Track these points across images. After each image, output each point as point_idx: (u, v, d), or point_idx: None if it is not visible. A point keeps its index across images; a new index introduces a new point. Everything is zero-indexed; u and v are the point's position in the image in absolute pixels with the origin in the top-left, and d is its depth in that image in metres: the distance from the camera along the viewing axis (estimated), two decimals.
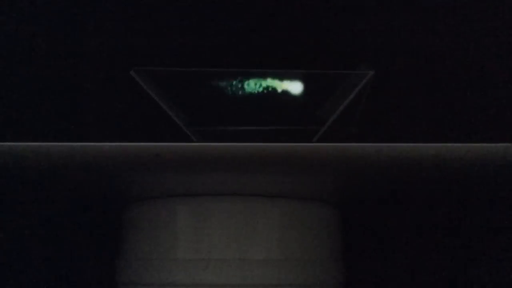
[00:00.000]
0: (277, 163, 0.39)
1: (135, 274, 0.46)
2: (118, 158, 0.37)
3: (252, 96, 0.45)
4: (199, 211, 0.45)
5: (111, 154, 0.37)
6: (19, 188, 0.49)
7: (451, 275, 0.58)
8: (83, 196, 0.54)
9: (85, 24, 0.65)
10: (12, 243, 0.58)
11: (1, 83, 0.56)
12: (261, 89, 0.45)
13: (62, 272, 0.61)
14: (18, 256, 0.59)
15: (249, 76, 0.45)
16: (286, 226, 0.45)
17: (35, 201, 0.58)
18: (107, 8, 0.66)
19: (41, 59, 0.62)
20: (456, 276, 0.57)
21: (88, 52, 0.64)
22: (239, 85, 0.45)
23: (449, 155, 0.38)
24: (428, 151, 0.38)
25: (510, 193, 0.50)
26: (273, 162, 0.39)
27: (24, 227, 0.59)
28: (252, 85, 0.45)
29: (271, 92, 0.45)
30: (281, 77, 0.45)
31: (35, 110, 0.60)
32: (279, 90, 0.45)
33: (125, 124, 0.63)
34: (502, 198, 0.53)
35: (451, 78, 0.60)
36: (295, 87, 0.46)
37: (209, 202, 0.45)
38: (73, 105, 0.63)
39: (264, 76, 0.45)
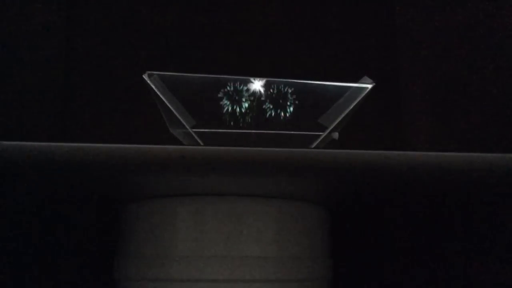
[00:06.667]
0: (275, 166, 0.40)
1: (134, 271, 0.47)
2: (118, 159, 0.38)
3: (256, 102, 0.46)
4: (198, 210, 0.46)
5: (111, 154, 0.37)
6: (19, 188, 0.50)
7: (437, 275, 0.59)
8: (83, 196, 0.55)
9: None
10: (12, 242, 0.58)
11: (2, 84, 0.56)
12: (265, 97, 0.46)
13: (62, 269, 0.61)
14: (19, 254, 0.59)
15: (254, 83, 0.46)
16: (281, 225, 0.47)
17: (36, 201, 0.58)
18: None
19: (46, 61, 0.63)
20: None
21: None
22: (244, 92, 0.46)
23: (439, 163, 0.40)
24: (416, 158, 0.39)
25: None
26: (271, 166, 0.40)
27: (24, 227, 0.59)
28: (256, 93, 0.47)
29: (274, 100, 0.46)
30: (285, 86, 0.46)
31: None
32: (281, 98, 0.46)
33: (126, 126, 0.64)
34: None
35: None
36: (297, 97, 0.46)
37: (207, 202, 0.46)
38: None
39: (268, 84, 0.46)
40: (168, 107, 0.45)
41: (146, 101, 0.47)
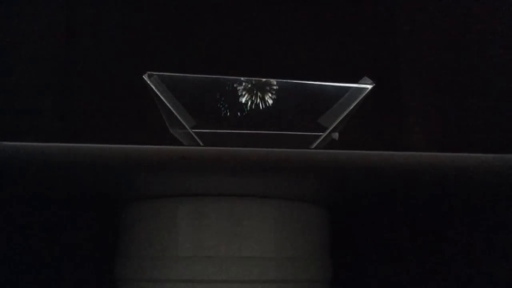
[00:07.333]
0: (275, 166, 0.40)
1: (134, 271, 0.47)
2: (118, 159, 0.38)
3: (256, 103, 0.46)
4: (198, 211, 0.46)
5: (111, 155, 0.37)
6: (19, 188, 0.50)
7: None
8: (83, 196, 0.55)
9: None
10: (12, 243, 0.58)
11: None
12: (265, 97, 0.47)
13: (62, 269, 0.61)
14: (19, 255, 0.59)
15: (254, 84, 0.46)
16: (280, 225, 0.47)
17: (35, 201, 0.58)
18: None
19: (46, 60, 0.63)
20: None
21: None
22: (244, 92, 0.46)
23: (434, 163, 0.40)
24: (416, 159, 0.39)
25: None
26: (271, 166, 0.40)
27: (24, 227, 0.59)
28: (257, 93, 0.46)
29: (274, 100, 0.46)
30: (285, 86, 0.46)
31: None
32: (282, 98, 0.46)
33: (126, 126, 0.64)
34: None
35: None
36: (297, 97, 0.47)
37: (207, 202, 0.46)
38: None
39: (269, 84, 0.46)
40: (168, 107, 0.45)
41: (146, 101, 0.47)
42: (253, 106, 0.46)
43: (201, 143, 0.46)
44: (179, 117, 0.45)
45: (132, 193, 0.49)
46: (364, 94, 0.46)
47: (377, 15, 0.70)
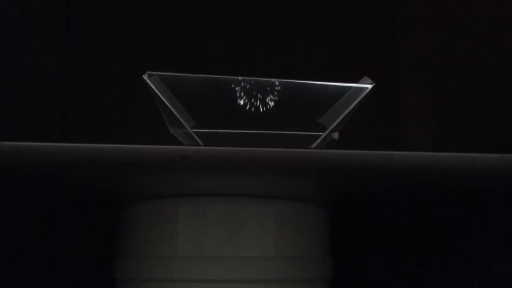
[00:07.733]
0: (275, 166, 0.40)
1: (134, 271, 0.47)
2: (118, 159, 0.38)
3: (256, 103, 0.46)
4: (198, 210, 0.46)
5: (111, 155, 0.37)
6: (19, 188, 0.50)
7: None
8: (83, 196, 0.55)
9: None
10: (12, 243, 0.58)
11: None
12: (265, 97, 0.46)
13: (62, 269, 0.61)
14: (18, 255, 0.59)
15: (254, 83, 0.46)
16: (281, 225, 0.47)
17: (35, 201, 0.58)
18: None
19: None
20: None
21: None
22: (245, 92, 0.46)
23: (434, 163, 0.40)
24: (416, 158, 0.39)
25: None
26: (271, 166, 0.40)
27: (24, 227, 0.59)
28: (257, 93, 0.46)
29: (274, 100, 0.46)
30: (285, 86, 0.46)
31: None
32: (282, 98, 0.46)
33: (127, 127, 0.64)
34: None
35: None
36: (297, 97, 0.46)
37: (207, 202, 0.46)
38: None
39: (269, 84, 0.46)
40: (168, 107, 0.45)
41: (146, 101, 0.47)
42: (253, 106, 0.46)
43: (201, 143, 0.46)
44: (179, 117, 0.45)
45: (132, 193, 0.49)
46: (364, 94, 0.46)
47: (377, 15, 0.70)
